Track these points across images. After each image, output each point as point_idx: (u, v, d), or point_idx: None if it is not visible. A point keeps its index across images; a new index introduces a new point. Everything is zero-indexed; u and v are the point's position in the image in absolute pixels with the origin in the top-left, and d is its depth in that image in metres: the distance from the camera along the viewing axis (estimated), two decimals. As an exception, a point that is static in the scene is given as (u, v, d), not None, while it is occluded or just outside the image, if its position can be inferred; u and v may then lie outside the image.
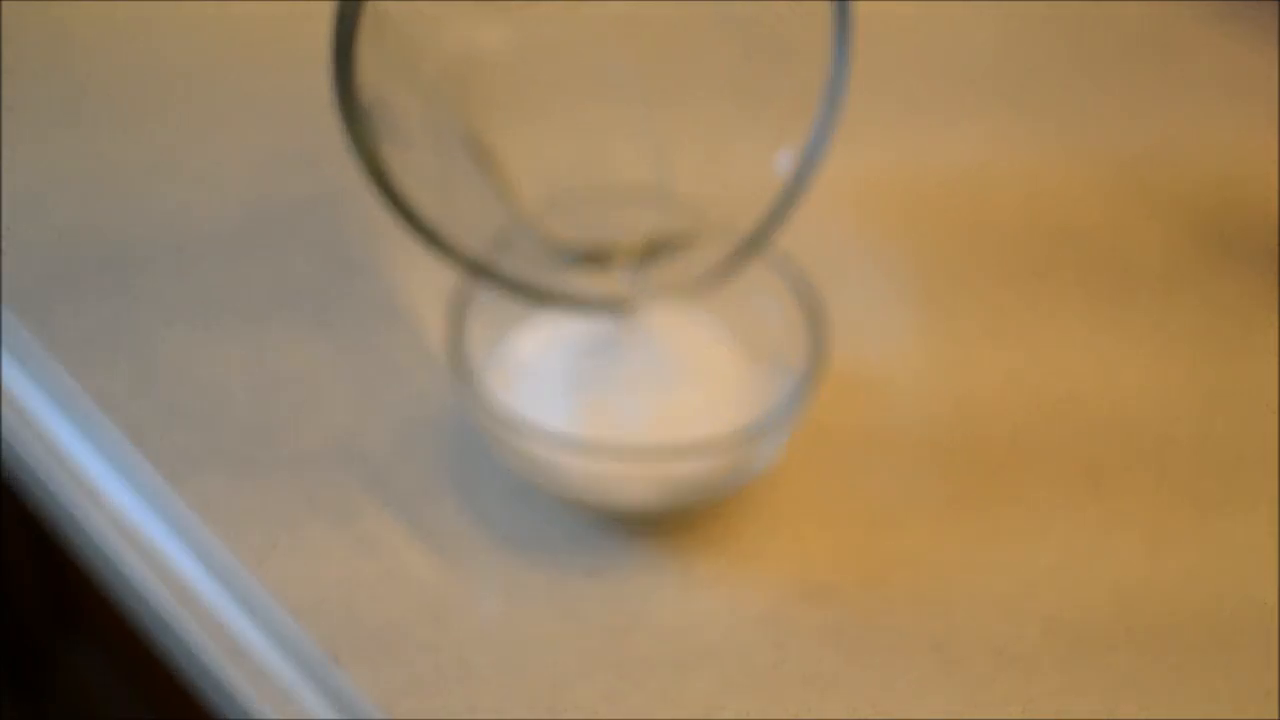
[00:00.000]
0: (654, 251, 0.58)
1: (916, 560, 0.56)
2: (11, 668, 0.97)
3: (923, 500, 0.58)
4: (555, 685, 0.52)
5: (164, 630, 0.56)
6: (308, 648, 0.53)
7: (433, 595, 0.54)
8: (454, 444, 0.59)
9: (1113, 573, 0.56)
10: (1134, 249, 0.68)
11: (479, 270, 0.55)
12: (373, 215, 0.67)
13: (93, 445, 0.59)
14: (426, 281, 0.65)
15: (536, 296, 0.56)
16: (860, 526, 0.57)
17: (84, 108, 0.72)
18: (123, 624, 0.62)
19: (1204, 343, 0.64)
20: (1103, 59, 0.77)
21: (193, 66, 0.75)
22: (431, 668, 0.52)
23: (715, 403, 0.57)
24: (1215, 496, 0.59)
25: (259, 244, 0.66)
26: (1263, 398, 0.62)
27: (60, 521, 0.60)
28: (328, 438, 0.59)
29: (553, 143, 0.58)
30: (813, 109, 0.56)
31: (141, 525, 0.57)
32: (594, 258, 0.58)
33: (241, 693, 0.53)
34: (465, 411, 0.59)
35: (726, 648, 0.53)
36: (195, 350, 0.62)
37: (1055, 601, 0.55)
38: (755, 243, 0.56)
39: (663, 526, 0.57)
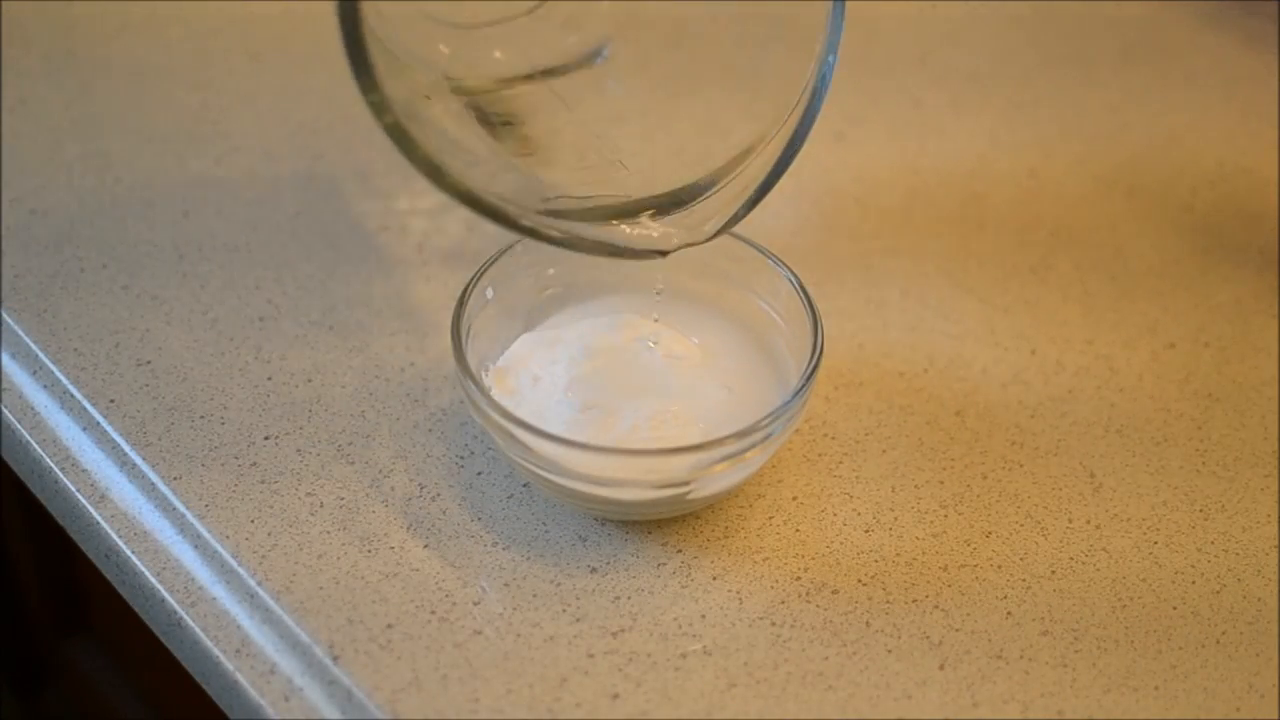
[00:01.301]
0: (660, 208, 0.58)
1: (915, 559, 0.56)
2: (15, 667, 0.97)
3: (921, 499, 0.58)
4: (556, 683, 0.52)
5: (167, 629, 0.56)
6: (310, 646, 0.53)
7: (434, 593, 0.54)
8: (456, 444, 0.59)
9: (1110, 571, 0.56)
10: (1131, 248, 0.68)
11: (507, 220, 0.54)
12: (375, 216, 0.68)
13: (95, 444, 0.59)
14: (430, 282, 0.65)
15: (565, 244, 0.56)
16: (859, 526, 0.57)
17: (86, 108, 0.72)
18: (126, 623, 0.62)
19: (1201, 341, 0.64)
20: (1101, 59, 0.77)
21: (196, 66, 0.75)
22: (433, 666, 0.52)
23: (713, 404, 0.57)
24: (1213, 495, 0.59)
25: (261, 243, 0.66)
26: (1260, 396, 0.62)
27: (63, 521, 0.60)
28: (330, 437, 0.59)
29: (562, 122, 0.58)
30: (801, 94, 0.56)
31: (144, 524, 0.57)
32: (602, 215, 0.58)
33: (244, 691, 0.53)
34: (467, 412, 0.59)
35: (727, 646, 0.53)
36: (197, 350, 0.62)
37: (1053, 601, 0.55)
38: (748, 204, 0.57)
39: (663, 526, 0.57)
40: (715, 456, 0.54)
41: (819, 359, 0.55)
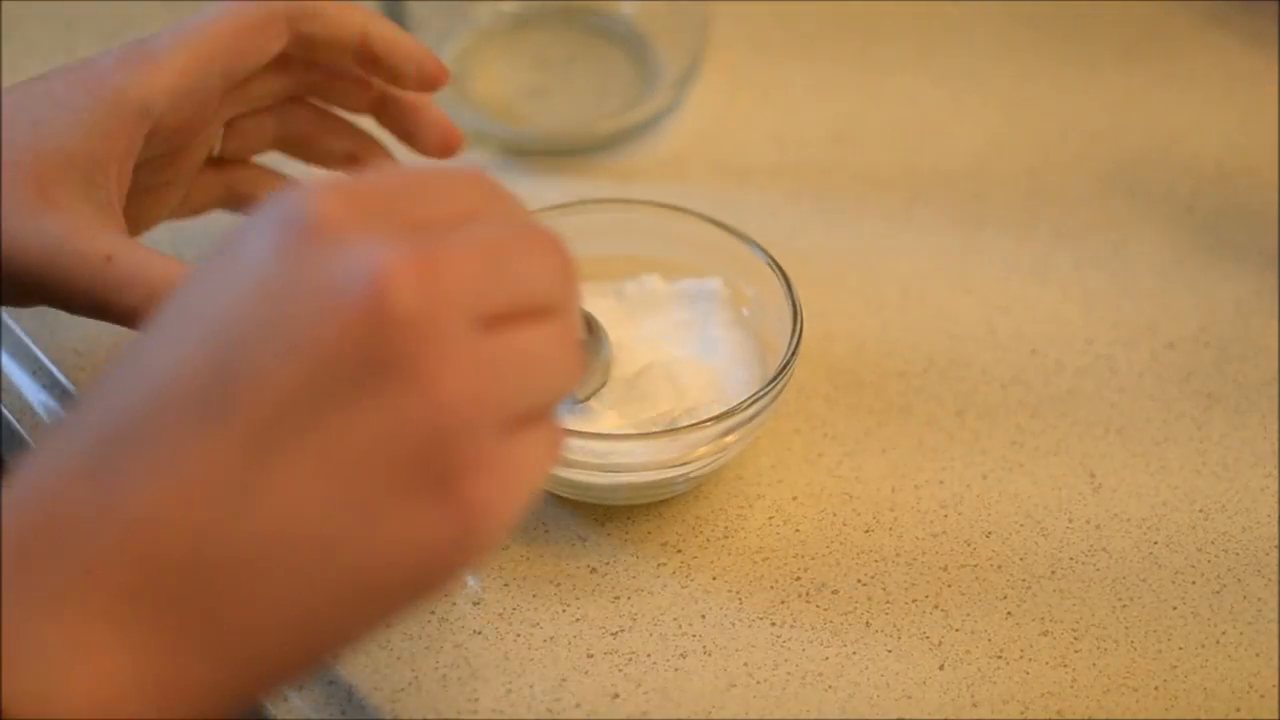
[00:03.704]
0: None
1: (915, 559, 0.56)
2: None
3: (921, 499, 0.58)
4: (556, 683, 0.52)
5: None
6: (310, 646, 0.53)
7: (434, 594, 0.54)
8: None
9: (1110, 571, 0.56)
10: (1131, 248, 0.68)
11: None
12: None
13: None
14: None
15: None
16: (859, 526, 0.57)
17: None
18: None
19: (1201, 341, 0.64)
20: (1101, 59, 0.77)
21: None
22: (433, 666, 0.52)
23: (706, 391, 0.57)
24: (1213, 495, 0.59)
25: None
26: (1260, 396, 0.62)
27: None
28: (329, 437, 0.59)
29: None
30: None
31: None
32: None
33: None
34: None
35: (727, 646, 0.53)
36: (197, 349, 0.62)
37: (1053, 600, 0.55)
38: None
39: (663, 526, 0.57)
40: (704, 437, 0.54)
41: (798, 339, 0.56)
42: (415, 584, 0.38)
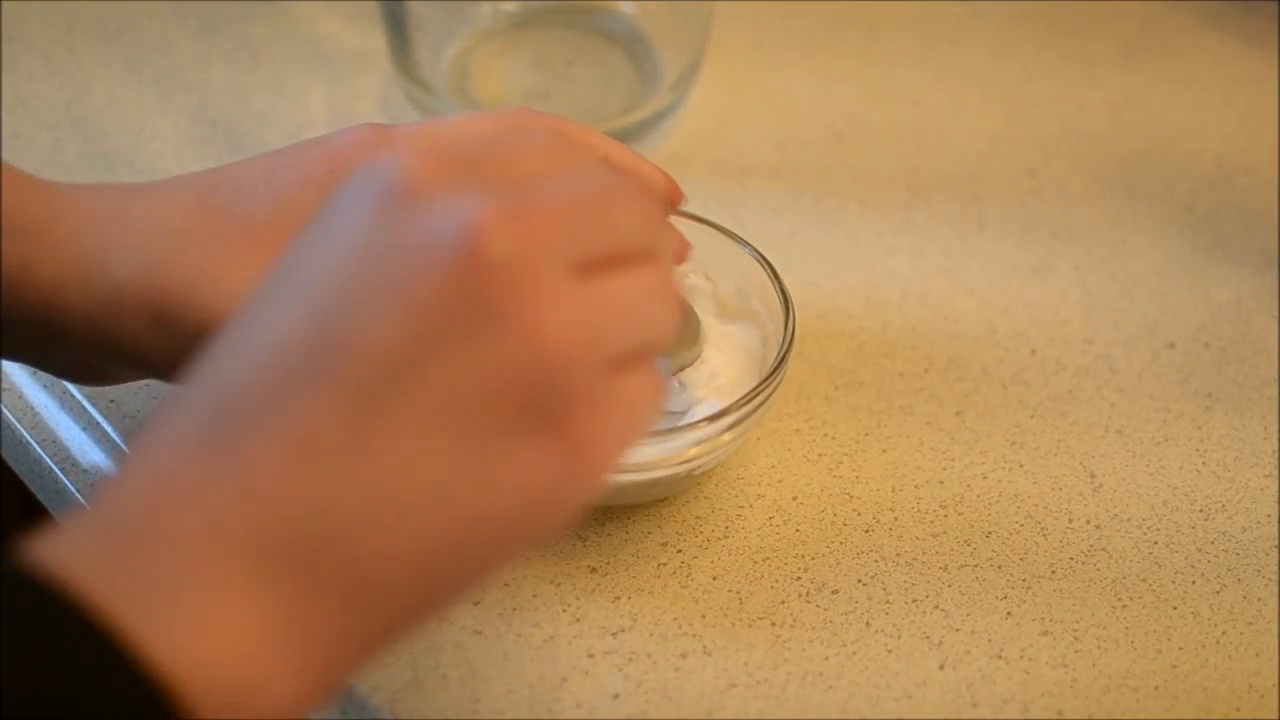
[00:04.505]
0: None
1: (915, 559, 0.56)
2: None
3: (921, 499, 0.58)
4: (556, 683, 0.52)
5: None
6: (310, 646, 0.53)
7: (434, 594, 0.54)
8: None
9: (1110, 572, 0.56)
10: (1131, 248, 0.68)
11: None
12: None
13: (95, 444, 0.59)
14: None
15: None
16: (859, 525, 0.57)
17: (86, 107, 0.72)
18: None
19: (1201, 341, 0.64)
20: (1101, 58, 0.77)
21: (196, 66, 0.75)
22: (433, 666, 0.52)
23: (702, 389, 0.57)
24: (1213, 495, 0.59)
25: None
26: (1260, 396, 0.62)
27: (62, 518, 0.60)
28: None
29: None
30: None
31: (144, 524, 0.57)
32: None
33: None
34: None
35: (727, 647, 0.53)
36: (197, 349, 0.62)
37: (1053, 600, 0.55)
38: None
39: (663, 526, 0.57)
40: (702, 435, 0.54)
41: (792, 332, 0.56)
42: (529, 523, 0.40)
